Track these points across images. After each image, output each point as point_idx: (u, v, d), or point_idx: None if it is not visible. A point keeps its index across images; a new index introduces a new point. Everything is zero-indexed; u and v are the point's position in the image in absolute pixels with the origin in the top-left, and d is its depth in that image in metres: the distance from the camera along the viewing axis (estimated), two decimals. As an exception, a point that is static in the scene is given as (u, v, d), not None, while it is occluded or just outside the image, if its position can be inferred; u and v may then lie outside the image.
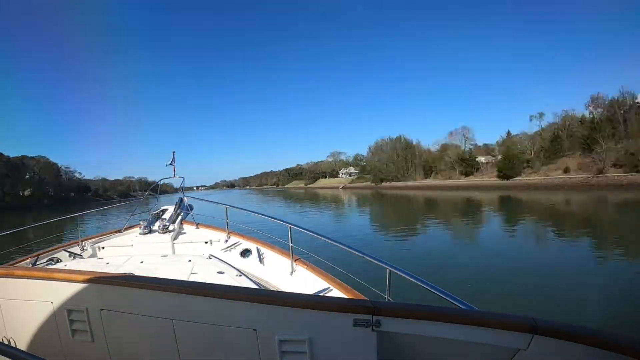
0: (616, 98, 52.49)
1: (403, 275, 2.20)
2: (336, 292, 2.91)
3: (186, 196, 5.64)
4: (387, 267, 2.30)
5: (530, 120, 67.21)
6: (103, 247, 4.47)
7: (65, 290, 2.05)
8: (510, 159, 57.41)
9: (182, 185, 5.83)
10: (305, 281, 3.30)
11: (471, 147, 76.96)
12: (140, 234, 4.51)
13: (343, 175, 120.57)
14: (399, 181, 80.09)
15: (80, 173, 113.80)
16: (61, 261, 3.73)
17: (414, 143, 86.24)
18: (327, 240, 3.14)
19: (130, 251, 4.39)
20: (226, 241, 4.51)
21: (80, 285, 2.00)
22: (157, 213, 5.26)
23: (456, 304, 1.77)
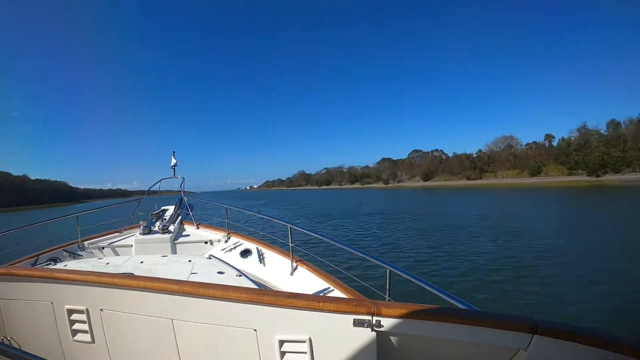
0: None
1: (403, 275, 2.20)
2: (336, 292, 2.91)
3: (186, 196, 5.64)
4: (387, 267, 2.30)
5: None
6: (103, 247, 4.46)
7: (65, 290, 2.04)
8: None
9: (182, 185, 5.83)
10: (305, 281, 3.30)
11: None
12: (140, 234, 4.51)
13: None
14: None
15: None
16: (61, 261, 3.73)
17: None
18: (327, 240, 3.14)
19: (130, 251, 4.39)
20: (226, 241, 4.51)
21: (80, 285, 2.00)
22: (157, 213, 5.25)
23: (456, 304, 1.77)
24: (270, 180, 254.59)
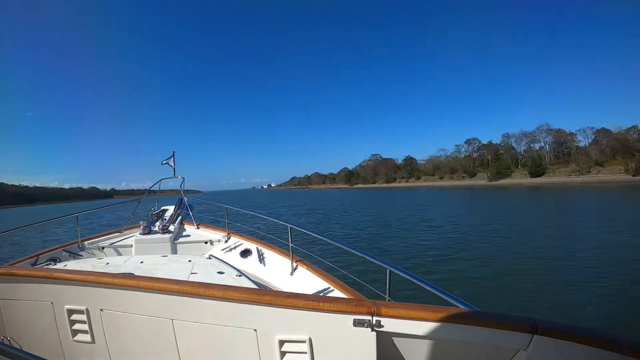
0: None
1: (403, 275, 2.20)
2: (336, 292, 2.91)
3: (186, 196, 5.64)
4: (387, 267, 2.29)
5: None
6: (103, 247, 4.46)
7: (65, 290, 2.04)
8: None
9: (182, 185, 5.83)
10: (305, 281, 3.30)
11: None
12: (140, 234, 4.51)
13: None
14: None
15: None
16: (61, 261, 3.73)
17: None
18: (327, 240, 3.14)
19: (130, 251, 4.39)
20: (226, 241, 4.51)
21: (80, 285, 2.00)
22: (157, 213, 5.26)
23: (456, 304, 1.77)
24: (298, 176, 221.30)
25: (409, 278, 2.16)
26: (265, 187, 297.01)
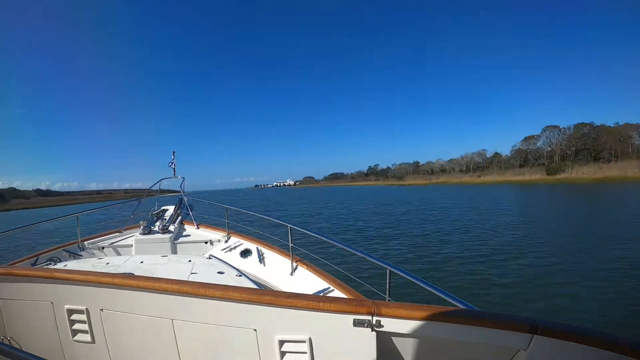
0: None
1: (403, 275, 2.20)
2: (336, 292, 2.91)
3: (186, 196, 5.65)
4: (387, 267, 2.30)
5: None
6: (103, 247, 4.46)
7: (65, 290, 2.04)
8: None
9: (182, 185, 5.83)
10: (305, 281, 3.30)
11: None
12: (140, 234, 4.52)
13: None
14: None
15: None
16: (61, 261, 3.73)
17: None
18: (327, 240, 3.14)
19: (130, 251, 4.39)
20: (226, 241, 4.51)
21: (80, 285, 2.00)
22: (157, 213, 5.26)
23: (456, 304, 1.77)
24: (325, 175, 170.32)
25: (409, 278, 2.16)
26: (291, 183, 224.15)
